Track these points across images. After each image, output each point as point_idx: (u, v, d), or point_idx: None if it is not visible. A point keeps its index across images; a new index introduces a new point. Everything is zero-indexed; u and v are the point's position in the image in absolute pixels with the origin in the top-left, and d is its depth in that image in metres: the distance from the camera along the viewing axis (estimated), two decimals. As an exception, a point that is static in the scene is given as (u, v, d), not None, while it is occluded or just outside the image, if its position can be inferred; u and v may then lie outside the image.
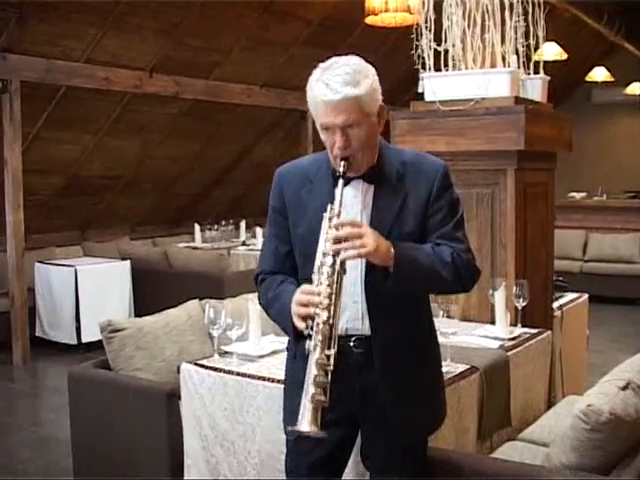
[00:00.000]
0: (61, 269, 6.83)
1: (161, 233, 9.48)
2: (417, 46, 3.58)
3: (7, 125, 6.25)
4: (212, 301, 3.36)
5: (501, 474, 2.22)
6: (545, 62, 3.99)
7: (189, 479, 2.97)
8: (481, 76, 3.49)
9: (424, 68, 3.61)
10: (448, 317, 3.11)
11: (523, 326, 3.41)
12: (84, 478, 3.46)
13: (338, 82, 1.87)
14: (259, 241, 8.21)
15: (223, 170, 9.68)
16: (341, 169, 1.93)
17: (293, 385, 2.08)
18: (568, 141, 3.92)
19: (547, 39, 3.87)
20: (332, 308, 1.81)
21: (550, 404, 3.43)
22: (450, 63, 3.60)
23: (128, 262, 7.22)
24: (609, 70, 10.89)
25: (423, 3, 3.62)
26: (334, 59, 1.95)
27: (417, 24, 3.62)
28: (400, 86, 9.08)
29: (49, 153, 7.32)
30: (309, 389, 1.76)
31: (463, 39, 3.58)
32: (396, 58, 8.18)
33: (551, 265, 3.94)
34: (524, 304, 3.37)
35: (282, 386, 2.28)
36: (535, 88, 3.80)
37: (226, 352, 3.07)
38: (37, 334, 6.87)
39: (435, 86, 3.57)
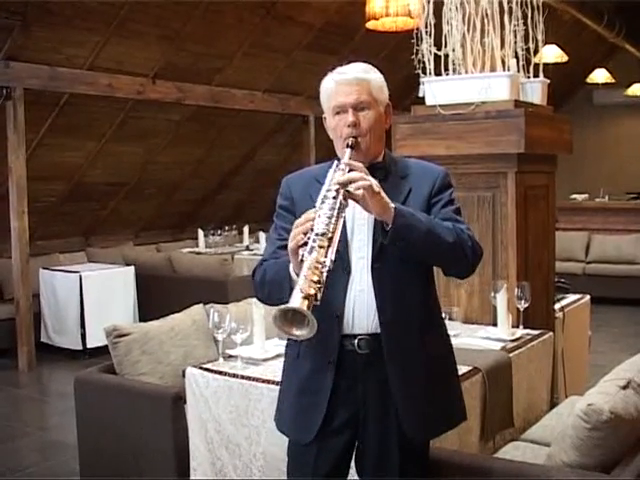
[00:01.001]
0: (66, 275, 6.85)
1: (165, 239, 9.50)
2: (417, 50, 3.62)
3: (11, 132, 6.28)
4: (217, 305, 3.39)
5: (504, 474, 2.23)
6: (546, 64, 4.01)
7: (195, 482, 3.00)
8: (481, 80, 3.52)
9: (424, 72, 3.64)
10: (450, 319, 3.14)
11: (525, 327, 3.42)
12: (91, 481, 3.49)
13: (350, 70, 2.09)
14: (262, 246, 8.22)
15: (226, 175, 9.71)
16: (350, 141, 2.03)
17: (290, 388, 2.14)
18: (568, 143, 3.95)
19: (547, 42, 3.89)
20: (332, 224, 1.81)
21: (552, 405, 3.45)
22: (450, 67, 3.63)
23: (132, 268, 7.25)
24: (610, 72, 10.89)
25: (423, 8, 3.66)
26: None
27: (417, 29, 3.66)
28: (401, 90, 9.08)
29: (53, 160, 7.36)
30: (300, 282, 1.72)
31: (463, 43, 3.61)
32: (397, 62, 8.19)
33: (552, 267, 3.95)
34: (526, 306, 3.39)
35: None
36: (535, 91, 3.82)
37: (231, 356, 3.10)
38: (42, 340, 6.89)
39: (435, 90, 3.61)
